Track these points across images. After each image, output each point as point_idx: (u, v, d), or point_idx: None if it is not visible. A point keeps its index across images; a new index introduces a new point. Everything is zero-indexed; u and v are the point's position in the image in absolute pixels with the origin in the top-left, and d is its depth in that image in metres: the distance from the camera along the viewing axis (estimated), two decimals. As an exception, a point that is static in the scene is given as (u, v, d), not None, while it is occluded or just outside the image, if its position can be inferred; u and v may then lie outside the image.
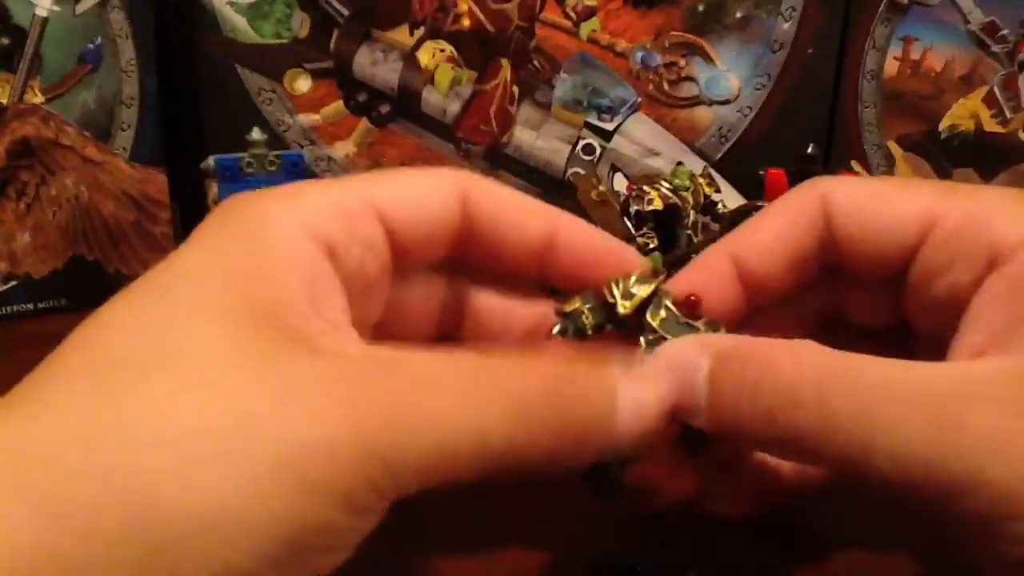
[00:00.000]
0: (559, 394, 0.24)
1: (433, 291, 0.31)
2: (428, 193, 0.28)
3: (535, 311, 0.32)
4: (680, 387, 0.26)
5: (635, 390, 0.25)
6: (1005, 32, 0.56)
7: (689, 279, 0.31)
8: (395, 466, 0.22)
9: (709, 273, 0.31)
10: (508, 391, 0.23)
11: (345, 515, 0.22)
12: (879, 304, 0.31)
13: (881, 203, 0.29)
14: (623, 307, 0.28)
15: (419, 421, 0.22)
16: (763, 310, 0.32)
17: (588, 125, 0.59)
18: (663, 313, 0.28)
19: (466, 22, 0.57)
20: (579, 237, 0.30)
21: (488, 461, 0.23)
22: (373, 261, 0.27)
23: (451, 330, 0.32)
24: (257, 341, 0.22)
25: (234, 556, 0.20)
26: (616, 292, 0.28)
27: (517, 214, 0.29)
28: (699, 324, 0.29)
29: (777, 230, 0.31)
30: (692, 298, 0.29)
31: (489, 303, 0.31)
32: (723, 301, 0.31)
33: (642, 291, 0.28)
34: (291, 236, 0.24)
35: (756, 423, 0.25)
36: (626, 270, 0.29)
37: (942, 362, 0.27)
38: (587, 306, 0.29)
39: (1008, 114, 0.58)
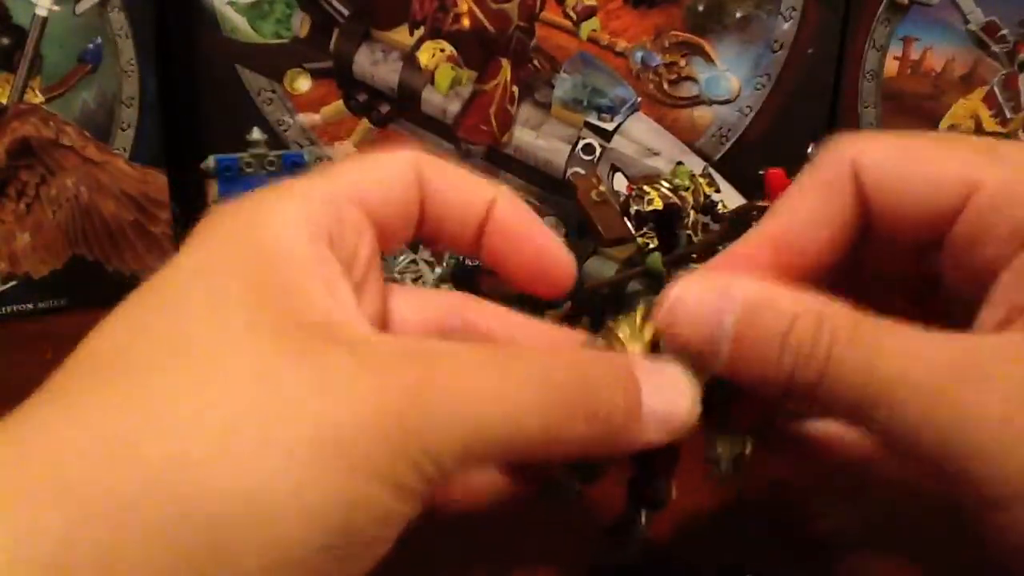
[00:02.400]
0: (587, 376, 0.25)
1: (428, 313, 0.31)
2: (395, 175, 0.28)
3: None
4: (702, 331, 0.26)
5: (660, 378, 0.26)
6: (1005, 32, 0.56)
7: (731, 269, 0.29)
8: (433, 445, 0.22)
9: (750, 266, 0.29)
10: (537, 373, 0.24)
11: (392, 497, 0.22)
12: (913, 262, 0.30)
13: (916, 166, 0.28)
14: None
15: (452, 402, 0.22)
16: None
17: (588, 125, 0.59)
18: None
19: (466, 22, 0.57)
20: (511, 215, 0.30)
21: (522, 441, 0.23)
22: (364, 246, 0.27)
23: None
24: (281, 332, 0.22)
25: (286, 544, 0.20)
26: (624, 334, 0.28)
27: (464, 189, 0.29)
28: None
29: (813, 210, 0.29)
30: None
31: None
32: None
33: (649, 332, 0.27)
34: (291, 229, 0.24)
35: (774, 374, 0.25)
36: (551, 257, 0.29)
37: (957, 334, 0.26)
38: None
39: (1008, 114, 0.58)
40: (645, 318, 0.27)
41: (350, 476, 0.21)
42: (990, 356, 0.25)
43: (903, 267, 0.31)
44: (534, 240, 0.30)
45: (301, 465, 0.20)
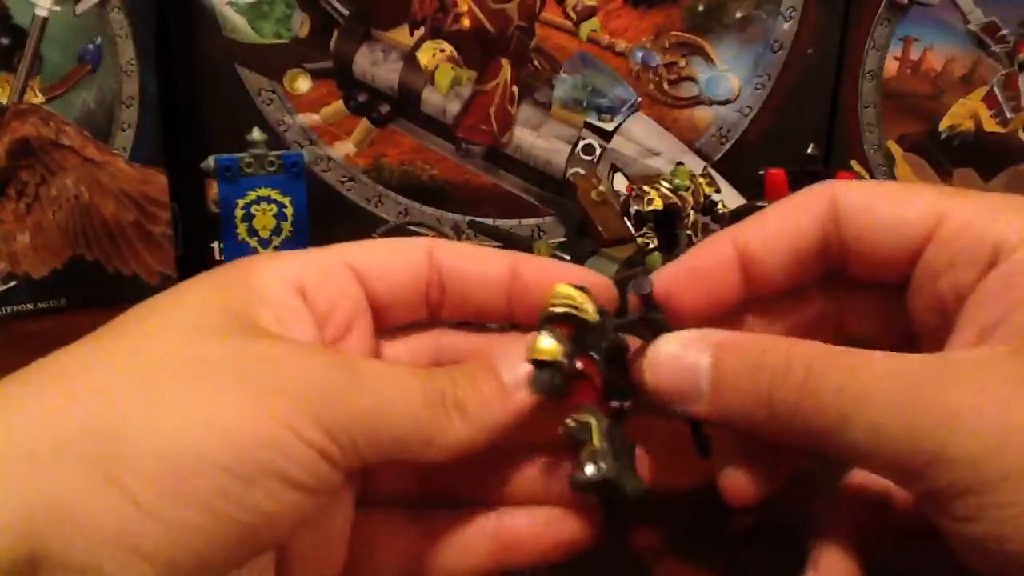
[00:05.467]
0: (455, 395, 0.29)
1: (420, 349, 0.34)
2: (395, 250, 0.32)
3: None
4: (681, 376, 0.29)
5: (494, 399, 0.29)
6: (1005, 32, 0.56)
7: (692, 262, 0.32)
8: (350, 423, 0.25)
9: (711, 256, 0.32)
10: (416, 385, 0.28)
11: (308, 448, 0.24)
12: (879, 314, 0.32)
13: (890, 202, 0.30)
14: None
15: (368, 396, 0.26)
16: (761, 306, 0.33)
17: (588, 125, 0.59)
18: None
19: (466, 22, 0.57)
20: (539, 269, 0.32)
21: (413, 432, 0.27)
22: (346, 303, 0.30)
23: None
24: (222, 324, 0.26)
25: (184, 450, 0.23)
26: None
27: (480, 260, 0.32)
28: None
29: (783, 221, 0.32)
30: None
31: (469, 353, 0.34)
32: (724, 284, 0.31)
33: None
34: (269, 278, 0.29)
35: (754, 404, 0.27)
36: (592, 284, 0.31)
37: (927, 354, 0.27)
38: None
39: (1008, 114, 0.58)
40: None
41: (270, 419, 0.24)
42: (960, 365, 0.26)
43: (870, 326, 0.33)
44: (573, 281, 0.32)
45: (222, 398, 0.24)
